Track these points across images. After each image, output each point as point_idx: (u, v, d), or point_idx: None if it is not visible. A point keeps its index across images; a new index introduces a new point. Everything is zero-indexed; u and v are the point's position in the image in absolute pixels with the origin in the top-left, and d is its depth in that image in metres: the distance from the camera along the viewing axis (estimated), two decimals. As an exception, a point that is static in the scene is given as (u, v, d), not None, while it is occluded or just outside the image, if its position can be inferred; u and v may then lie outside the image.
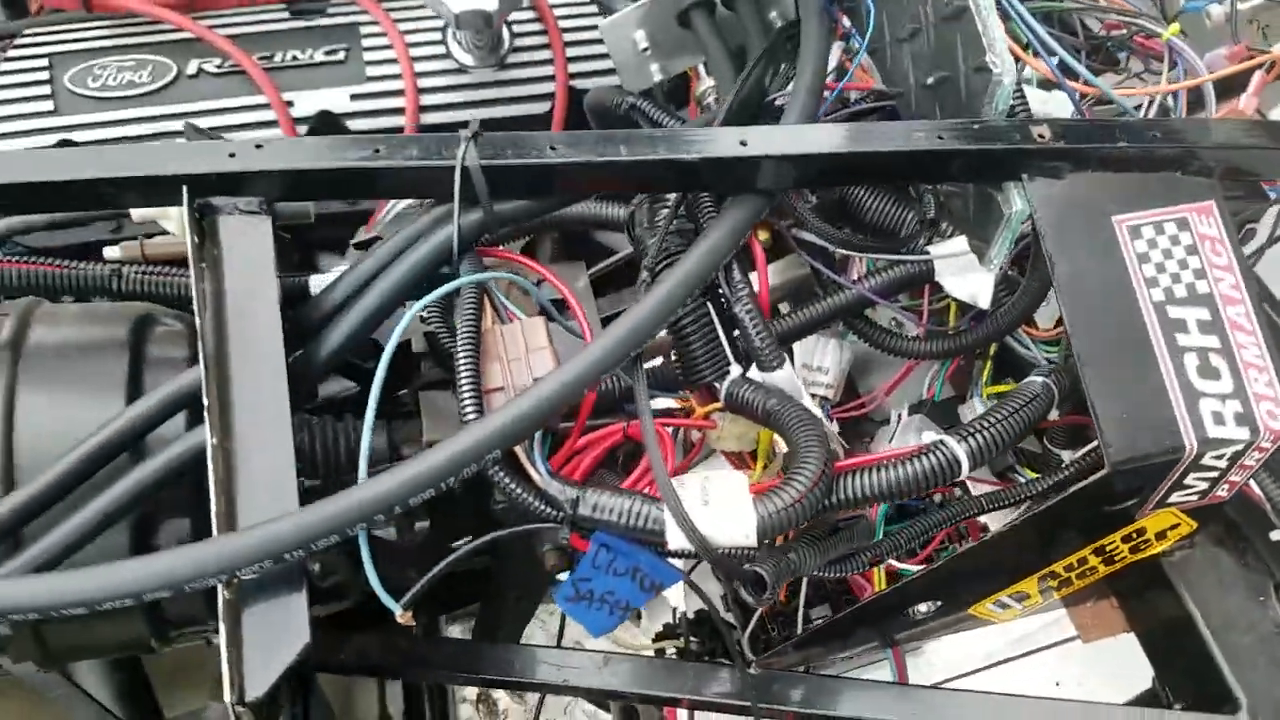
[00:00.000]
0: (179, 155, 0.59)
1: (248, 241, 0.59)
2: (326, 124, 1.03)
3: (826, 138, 0.62)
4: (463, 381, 0.57)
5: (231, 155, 0.59)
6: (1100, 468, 0.56)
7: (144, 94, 1.00)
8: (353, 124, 1.03)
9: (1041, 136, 0.62)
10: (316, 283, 0.65)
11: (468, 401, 0.57)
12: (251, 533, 0.51)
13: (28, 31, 1.01)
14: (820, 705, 0.62)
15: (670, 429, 0.64)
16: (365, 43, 1.04)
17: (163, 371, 0.69)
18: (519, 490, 0.55)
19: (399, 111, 1.04)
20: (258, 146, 0.59)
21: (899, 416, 0.79)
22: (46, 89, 0.99)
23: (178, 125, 1.00)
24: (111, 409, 0.65)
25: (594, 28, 1.09)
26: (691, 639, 0.80)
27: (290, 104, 1.01)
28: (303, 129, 1.02)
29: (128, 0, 0.99)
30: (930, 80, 0.69)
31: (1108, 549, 0.65)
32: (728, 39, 0.89)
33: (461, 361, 0.58)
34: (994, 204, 0.64)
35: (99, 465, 0.60)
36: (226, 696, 0.50)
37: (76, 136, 0.99)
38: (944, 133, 0.62)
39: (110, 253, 0.75)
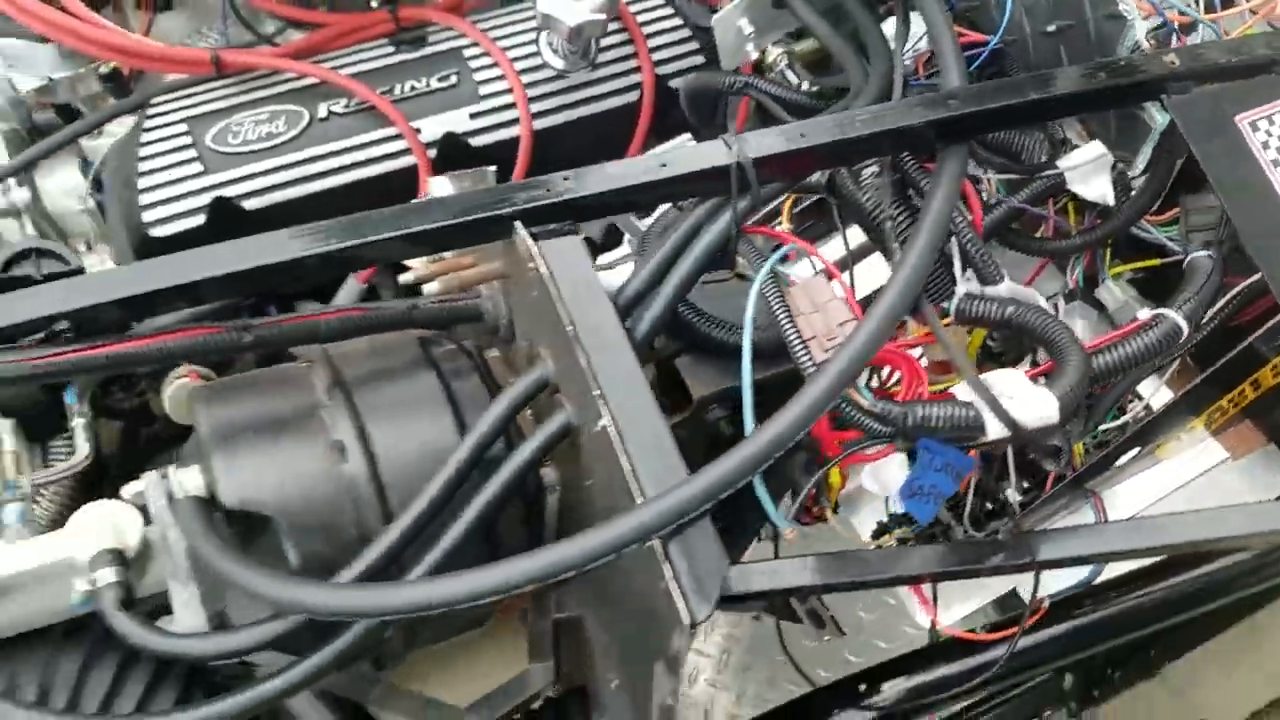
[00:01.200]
0: (507, 195, 0.69)
1: (571, 256, 0.68)
2: (451, 144, 1.11)
3: (1011, 90, 0.76)
4: (792, 339, 0.69)
5: (546, 190, 0.69)
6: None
7: (285, 142, 1.06)
8: (474, 140, 1.12)
9: (1172, 63, 0.77)
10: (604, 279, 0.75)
11: (801, 352, 0.69)
12: (677, 492, 0.61)
13: (154, 102, 1.06)
14: (1088, 549, 0.76)
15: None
16: (471, 64, 1.12)
17: (462, 383, 0.79)
18: (858, 414, 0.68)
19: (514, 123, 1.13)
20: (564, 178, 0.70)
21: (1053, 306, 0.94)
22: (192, 152, 1.04)
23: (322, 166, 1.07)
24: (444, 425, 0.74)
25: (664, 20, 1.20)
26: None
27: (418, 131, 1.09)
28: (432, 152, 1.10)
29: (257, 58, 1.04)
30: (1051, 28, 0.84)
31: (1258, 378, 0.82)
32: (818, 6, 1.01)
33: (784, 323, 0.70)
34: (1138, 121, 0.80)
35: (460, 484, 0.69)
36: (685, 618, 0.60)
37: (228, 192, 1.05)
38: (1099, 72, 0.77)
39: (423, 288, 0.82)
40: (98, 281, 0.66)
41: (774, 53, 1.08)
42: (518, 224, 0.67)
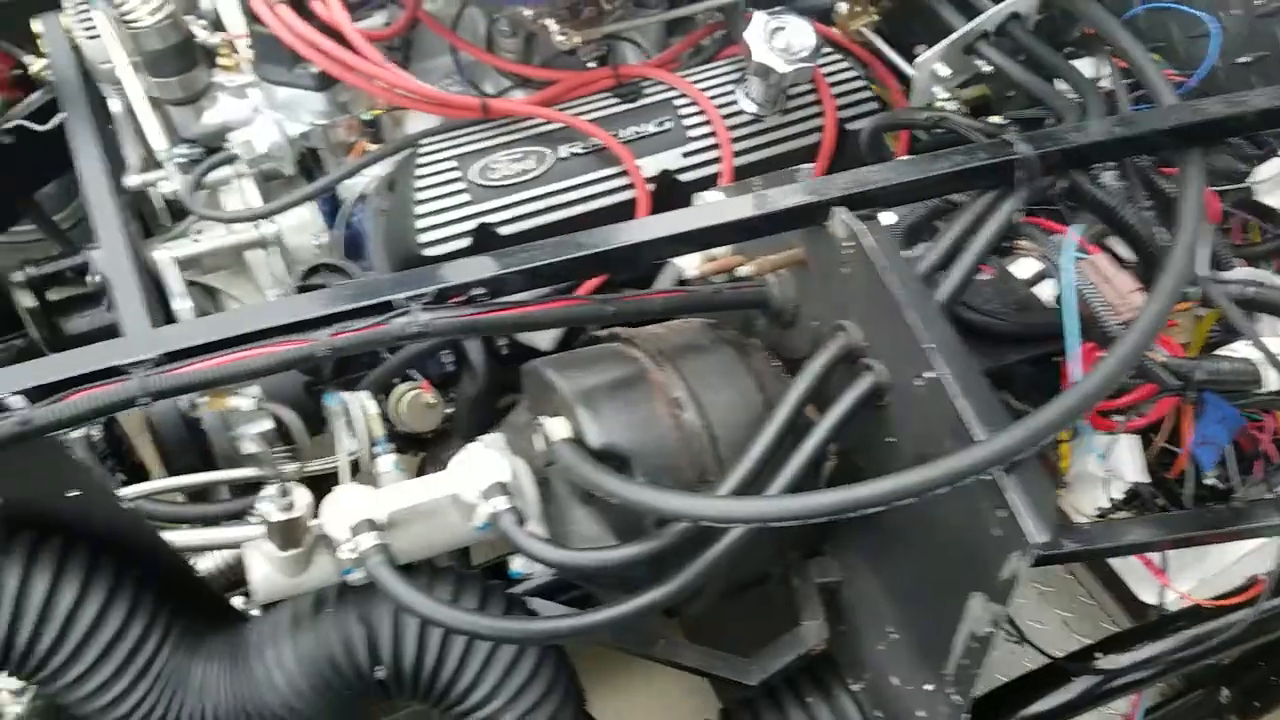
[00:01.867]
0: (824, 187, 0.84)
1: (884, 236, 0.82)
2: (666, 181, 1.28)
3: (1237, 103, 0.92)
4: (1098, 304, 0.84)
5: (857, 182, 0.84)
6: None
7: (534, 178, 1.23)
8: (684, 176, 1.28)
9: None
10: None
11: (1108, 314, 0.83)
12: (1012, 431, 0.73)
13: (424, 143, 1.23)
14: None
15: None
16: (681, 111, 1.30)
17: (753, 356, 0.93)
18: (1157, 369, 0.81)
19: (716, 160, 1.29)
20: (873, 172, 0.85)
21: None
22: (461, 184, 1.21)
23: (563, 199, 1.24)
24: (750, 388, 0.88)
25: (841, 69, 1.37)
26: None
27: (640, 168, 1.26)
28: (650, 187, 1.26)
29: (518, 105, 1.22)
30: (1246, 59, 1.01)
31: None
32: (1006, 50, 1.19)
33: (1090, 293, 0.84)
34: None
35: (788, 432, 0.82)
36: (1032, 538, 0.72)
37: (489, 219, 1.21)
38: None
39: (691, 271, 0.96)
40: (515, 257, 0.81)
41: (943, 96, 1.25)
42: (838, 208, 0.82)
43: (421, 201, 1.19)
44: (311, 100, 1.26)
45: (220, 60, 1.36)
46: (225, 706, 0.81)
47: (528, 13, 1.23)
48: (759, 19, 1.22)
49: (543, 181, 1.22)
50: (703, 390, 0.86)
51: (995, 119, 1.23)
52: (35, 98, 1.61)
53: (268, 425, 1.17)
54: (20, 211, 1.94)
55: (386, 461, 0.87)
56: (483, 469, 0.82)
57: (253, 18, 1.20)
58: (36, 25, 1.49)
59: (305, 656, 0.81)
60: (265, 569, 0.79)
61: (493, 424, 1.21)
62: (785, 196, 0.84)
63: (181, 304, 1.28)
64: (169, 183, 1.34)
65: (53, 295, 1.75)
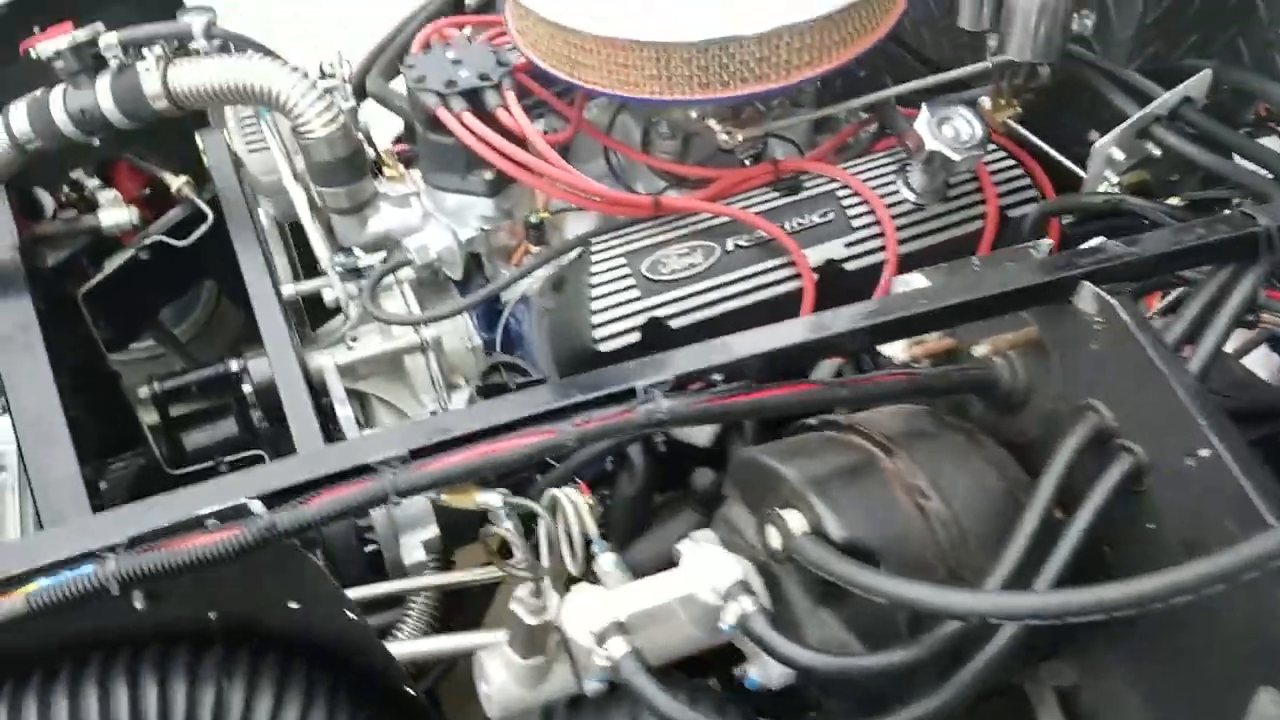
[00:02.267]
0: (1073, 263, 0.81)
1: (1132, 310, 0.79)
2: (831, 271, 1.26)
3: None
4: None
5: (1107, 256, 0.81)
6: None
7: (702, 271, 1.22)
8: (849, 265, 1.27)
9: None
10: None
11: None
12: None
13: (595, 242, 1.23)
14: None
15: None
16: (844, 203, 1.29)
17: (982, 443, 0.88)
18: None
19: (880, 250, 1.27)
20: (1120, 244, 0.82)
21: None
22: (630, 280, 1.20)
23: (730, 290, 1.22)
24: (989, 475, 0.83)
25: (999, 157, 1.36)
26: None
27: (805, 258, 1.24)
28: (815, 276, 1.24)
29: (689, 202, 1.22)
30: None
31: None
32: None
33: None
34: None
35: (1048, 523, 0.77)
36: None
37: (659, 313, 1.20)
38: None
39: (901, 356, 0.93)
40: (752, 340, 0.78)
41: (1114, 181, 1.23)
42: (1086, 283, 0.79)
43: (596, 298, 1.18)
44: (480, 206, 1.27)
45: (385, 170, 1.40)
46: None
47: (693, 114, 1.24)
48: (926, 110, 1.22)
49: (711, 274, 1.21)
50: (943, 478, 0.81)
51: (1173, 200, 1.20)
52: (175, 213, 1.67)
53: (433, 533, 1.15)
54: (144, 327, 1.99)
55: (608, 560, 0.83)
56: (717, 568, 0.78)
57: (430, 127, 1.22)
58: (200, 141, 1.55)
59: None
60: (503, 677, 0.74)
61: (647, 524, 1.18)
62: (1025, 274, 0.81)
63: (343, 411, 1.27)
64: (331, 290, 1.37)
65: (175, 411, 1.78)
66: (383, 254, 1.36)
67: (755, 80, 1.16)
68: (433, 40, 1.37)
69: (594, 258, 1.21)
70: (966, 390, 0.89)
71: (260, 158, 1.47)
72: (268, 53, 1.33)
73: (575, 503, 0.88)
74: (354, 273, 1.39)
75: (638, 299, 1.19)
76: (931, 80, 1.33)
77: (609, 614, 0.73)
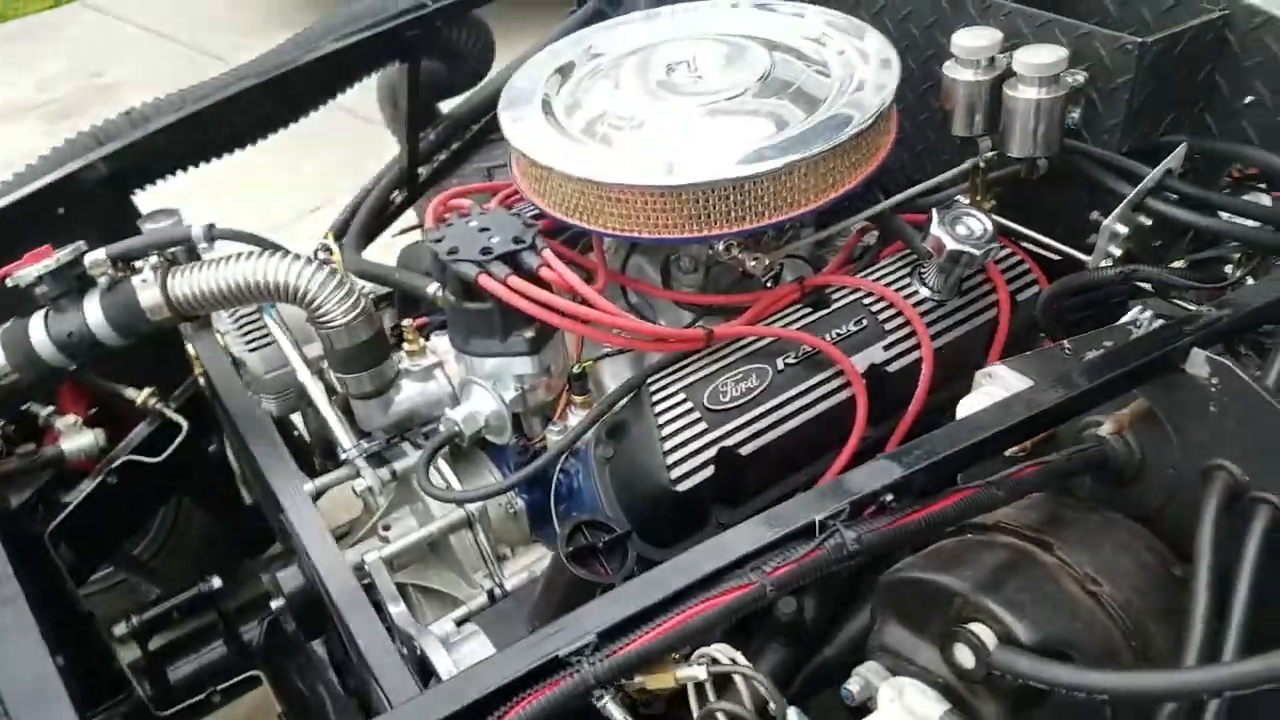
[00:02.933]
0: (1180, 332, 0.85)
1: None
2: (876, 374, 1.29)
3: None
4: None
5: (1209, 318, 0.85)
6: None
7: (759, 394, 1.23)
8: (890, 367, 1.30)
9: None
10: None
11: None
12: None
13: (652, 380, 1.23)
14: None
15: None
16: (873, 309, 1.33)
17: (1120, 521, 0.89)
18: None
19: (916, 347, 1.31)
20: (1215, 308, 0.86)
21: None
22: (696, 414, 1.20)
23: (789, 409, 1.23)
24: (1142, 553, 0.84)
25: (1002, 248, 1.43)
26: None
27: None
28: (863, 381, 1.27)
29: (739, 329, 1.24)
30: None
31: None
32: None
33: None
34: None
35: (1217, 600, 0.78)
36: None
37: (727, 442, 1.19)
38: None
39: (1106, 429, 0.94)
40: (912, 456, 0.79)
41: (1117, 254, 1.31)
42: (1196, 349, 0.83)
43: (665, 437, 1.17)
44: (519, 365, 1.25)
45: (406, 345, 1.38)
46: None
47: (720, 246, 1.27)
48: (936, 215, 1.29)
49: (769, 395, 1.23)
50: (1104, 562, 0.82)
51: (1177, 264, 1.28)
52: (142, 429, 1.60)
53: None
54: (109, 554, 1.86)
55: (794, 713, 0.79)
56: (918, 706, 0.76)
57: (466, 296, 1.22)
58: (191, 347, 1.50)
59: None
60: None
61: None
62: (1137, 351, 0.85)
63: (397, 609, 1.20)
64: (361, 480, 1.31)
65: (155, 643, 1.64)
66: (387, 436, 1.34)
67: (776, 211, 1.20)
68: (446, 214, 1.38)
69: (654, 398, 1.20)
70: (1088, 470, 0.91)
71: (261, 355, 1.43)
72: (273, 246, 1.31)
73: (744, 669, 0.84)
74: (376, 458, 1.35)
75: (705, 431, 1.19)
76: (919, 188, 1.40)
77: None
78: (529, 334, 1.23)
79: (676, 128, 1.27)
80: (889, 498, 0.75)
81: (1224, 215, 1.25)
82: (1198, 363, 0.83)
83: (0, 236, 1.38)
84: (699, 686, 0.72)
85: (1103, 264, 1.29)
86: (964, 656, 0.78)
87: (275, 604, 1.35)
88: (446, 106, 2.05)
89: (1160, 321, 0.99)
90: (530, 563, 1.34)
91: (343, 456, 1.33)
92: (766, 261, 1.28)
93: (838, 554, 0.71)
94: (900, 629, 0.87)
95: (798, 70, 1.33)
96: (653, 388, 1.22)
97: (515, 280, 1.16)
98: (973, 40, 1.27)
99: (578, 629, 0.70)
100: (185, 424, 1.58)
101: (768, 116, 1.27)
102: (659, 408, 1.19)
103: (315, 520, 1.22)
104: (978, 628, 0.78)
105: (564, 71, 1.41)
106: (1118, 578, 0.82)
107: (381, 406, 1.34)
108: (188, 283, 1.23)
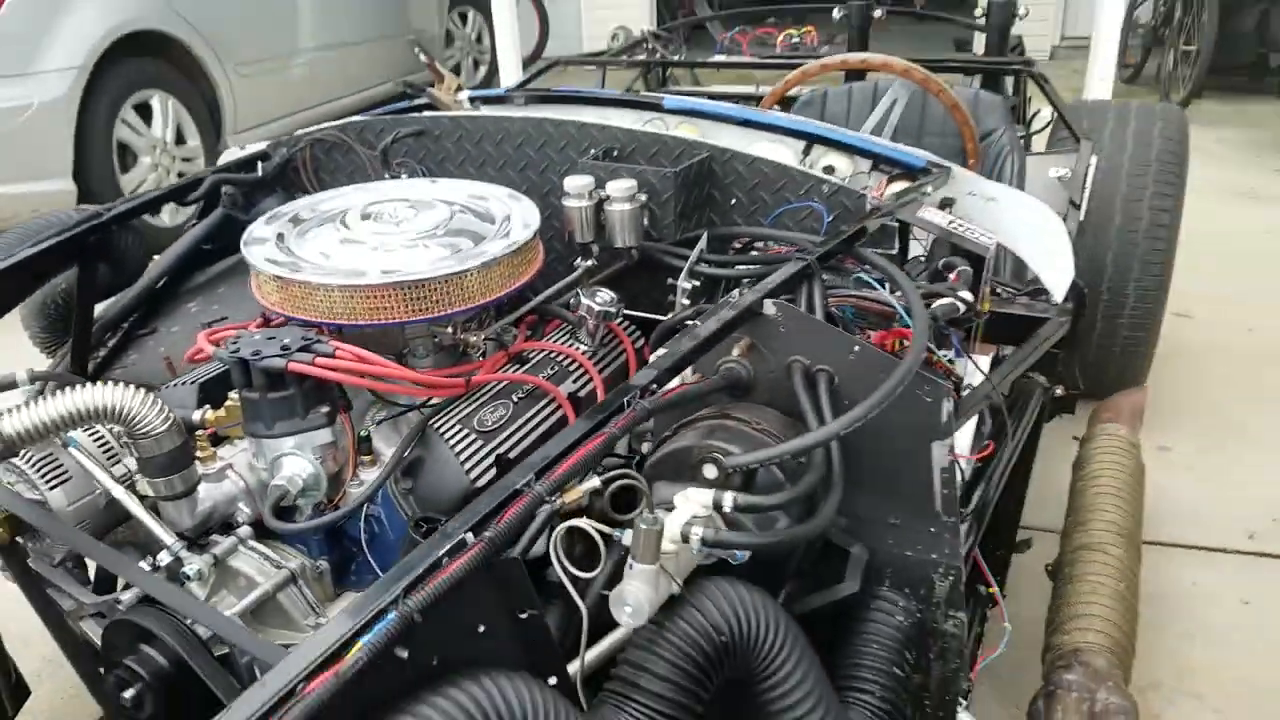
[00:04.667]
0: (755, 296, 1.56)
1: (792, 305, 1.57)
2: (573, 399, 1.85)
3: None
4: None
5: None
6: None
7: (509, 418, 1.71)
8: (580, 393, 1.87)
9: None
10: None
11: None
12: (909, 360, 1.50)
13: (433, 423, 1.64)
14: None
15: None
16: (558, 360, 1.91)
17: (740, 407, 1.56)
18: None
19: (589, 380, 1.91)
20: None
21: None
22: (472, 436, 1.64)
23: (531, 424, 1.73)
24: (777, 410, 1.51)
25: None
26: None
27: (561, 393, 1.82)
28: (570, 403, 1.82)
29: (488, 376, 1.72)
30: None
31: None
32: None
33: None
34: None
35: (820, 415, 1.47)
36: (948, 389, 1.47)
37: (500, 450, 1.65)
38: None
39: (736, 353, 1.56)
40: (685, 343, 1.36)
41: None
42: (766, 300, 1.54)
43: (458, 454, 1.60)
44: (320, 436, 1.59)
45: (199, 454, 1.62)
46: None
47: (448, 329, 1.76)
48: (581, 293, 1.93)
49: (516, 418, 1.73)
50: (757, 416, 1.47)
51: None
52: None
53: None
54: None
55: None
56: (695, 496, 1.31)
57: (269, 389, 1.54)
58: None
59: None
60: (638, 588, 1.16)
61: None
62: (731, 312, 1.54)
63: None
64: (191, 565, 1.52)
65: None
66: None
67: (461, 302, 1.72)
68: (220, 341, 1.67)
69: (440, 432, 1.63)
70: (727, 387, 1.57)
71: (63, 490, 1.56)
72: (79, 382, 1.50)
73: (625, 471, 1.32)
74: (195, 548, 1.56)
75: (482, 446, 1.64)
76: (562, 284, 2.04)
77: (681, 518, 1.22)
78: (325, 409, 1.59)
79: (390, 249, 1.75)
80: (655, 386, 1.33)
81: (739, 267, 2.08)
82: (769, 308, 1.55)
83: None
84: (595, 491, 1.20)
85: (682, 306, 2.04)
86: (709, 471, 1.36)
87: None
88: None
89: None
90: (344, 607, 1.63)
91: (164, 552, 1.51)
92: (475, 339, 1.81)
93: (642, 413, 1.26)
94: (667, 485, 1.42)
95: (469, 219, 1.91)
96: (437, 426, 1.65)
97: (322, 360, 1.53)
98: (576, 184, 1.98)
99: (524, 471, 1.15)
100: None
101: (454, 238, 1.82)
102: (447, 436, 1.63)
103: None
104: (711, 456, 1.36)
105: (294, 220, 1.83)
106: (766, 422, 1.47)
107: (189, 507, 1.56)
108: (20, 421, 1.39)
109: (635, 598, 1.17)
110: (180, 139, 6.12)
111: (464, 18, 9.78)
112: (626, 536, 1.19)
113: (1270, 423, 3.53)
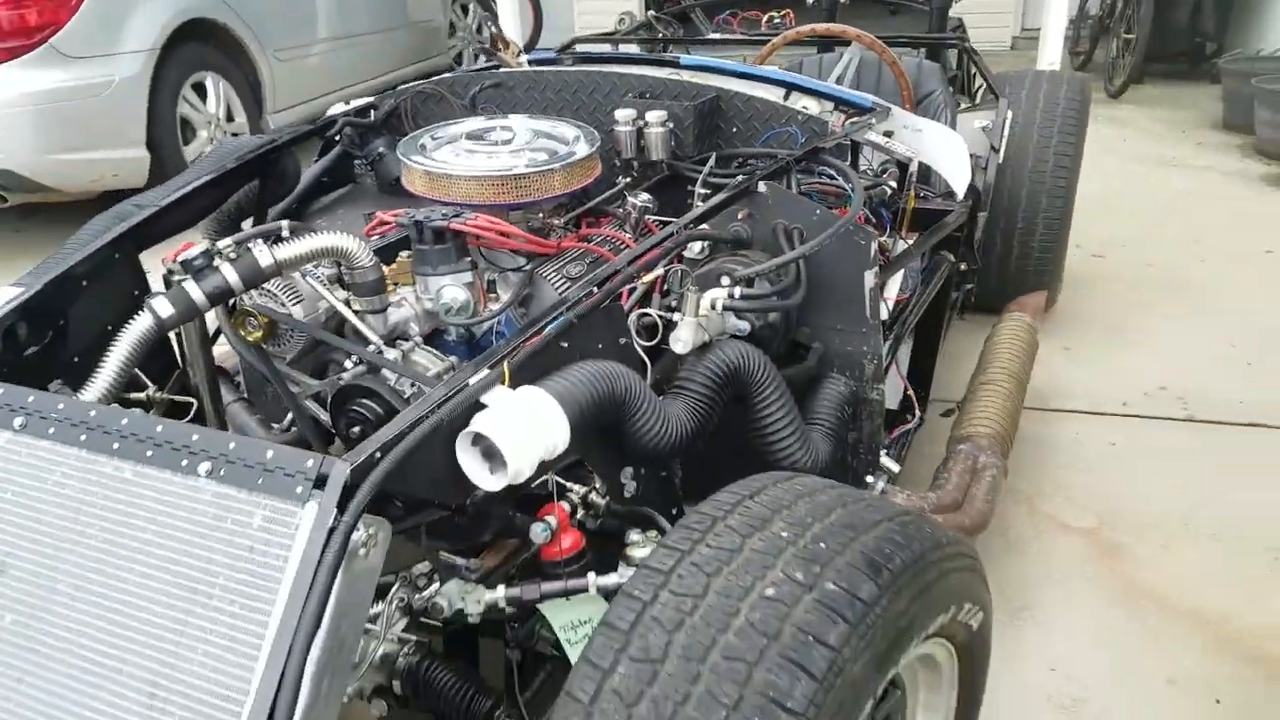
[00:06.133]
0: (748, 182, 2.40)
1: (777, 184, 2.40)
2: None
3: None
4: None
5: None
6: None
7: (587, 272, 2.54)
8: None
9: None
10: None
11: None
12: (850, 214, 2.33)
13: (538, 276, 2.47)
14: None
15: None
16: (609, 244, 2.73)
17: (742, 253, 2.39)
18: None
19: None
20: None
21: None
22: (566, 282, 2.46)
23: (601, 276, 2.56)
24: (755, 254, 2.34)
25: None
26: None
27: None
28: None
29: (570, 244, 2.55)
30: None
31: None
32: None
33: None
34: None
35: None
36: (873, 235, 2.30)
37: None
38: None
39: (741, 217, 2.39)
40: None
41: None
42: (760, 182, 2.37)
43: (556, 290, 2.43)
44: (466, 277, 2.40)
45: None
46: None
47: (539, 214, 2.58)
48: (628, 195, 2.75)
49: (590, 272, 2.55)
50: (749, 259, 2.30)
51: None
52: None
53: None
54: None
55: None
56: (711, 295, 2.14)
57: (436, 241, 2.35)
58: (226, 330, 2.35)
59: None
60: (688, 329, 1.99)
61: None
62: (733, 191, 2.36)
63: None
64: (389, 354, 2.33)
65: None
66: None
67: (546, 192, 2.54)
68: (389, 219, 2.47)
69: (545, 276, 2.45)
70: (732, 242, 2.39)
71: (301, 305, 2.37)
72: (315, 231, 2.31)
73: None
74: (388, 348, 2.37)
75: (570, 285, 2.46)
76: (610, 193, 2.86)
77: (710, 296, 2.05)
78: (468, 259, 2.40)
79: (498, 155, 2.57)
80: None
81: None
82: (762, 187, 2.38)
83: (70, 290, 2.17)
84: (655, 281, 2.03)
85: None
86: (724, 280, 2.18)
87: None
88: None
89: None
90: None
91: (371, 348, 2.32)
92: (556, 221, 2.62)
93: (680, 239, 2.09)
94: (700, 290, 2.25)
95: (549, 139, 2.72)
96: (543, 272, 2.47)
97: (471, 222, 2.34)
98: (624, 114, 2.80)
99: (619, 264, 1.97)
100: (195, 401, 2.38)
101: (540, 152, 2.63)
102: (548, 278, 2.44)
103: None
104: (725, 269, 2.19)
105: (424, 143, 2.65)
106: (759, 259, 2.30)
107: (382, 320, 2.37)
108: (286, 250, 2.19)
109: (684, 336, 2.01)
110: (230, 116, 6.88)
111: (465, 9, 10.57)
112: (676, 316, 2.02)
113: (1150, 329, 4.43)
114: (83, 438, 1.59)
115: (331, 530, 1.35)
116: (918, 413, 2.68)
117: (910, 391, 2.74)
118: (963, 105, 4.56)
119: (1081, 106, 4.14)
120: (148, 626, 1.42)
